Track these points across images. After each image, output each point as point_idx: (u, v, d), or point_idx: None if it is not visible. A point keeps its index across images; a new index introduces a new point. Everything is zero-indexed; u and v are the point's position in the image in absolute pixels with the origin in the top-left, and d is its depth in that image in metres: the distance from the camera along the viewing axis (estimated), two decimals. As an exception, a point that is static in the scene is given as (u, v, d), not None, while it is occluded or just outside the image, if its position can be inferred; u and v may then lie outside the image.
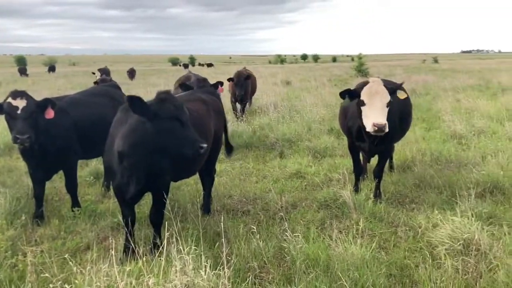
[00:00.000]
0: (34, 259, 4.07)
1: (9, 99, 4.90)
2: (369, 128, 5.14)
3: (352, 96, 5.45)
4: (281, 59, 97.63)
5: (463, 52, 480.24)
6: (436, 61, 64.69)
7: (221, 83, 7.40)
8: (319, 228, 5.08)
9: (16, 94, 4.94)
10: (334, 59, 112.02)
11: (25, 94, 5.00)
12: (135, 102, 3.82)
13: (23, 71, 44.40)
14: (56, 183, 6.67)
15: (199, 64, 79.82)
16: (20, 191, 5.97)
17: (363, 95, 5.26)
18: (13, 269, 4.08)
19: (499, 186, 6.06)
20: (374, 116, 5.11)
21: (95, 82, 10.17)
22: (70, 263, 3.68)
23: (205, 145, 3.97)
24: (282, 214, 5.17)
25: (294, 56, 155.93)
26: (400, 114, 5.92)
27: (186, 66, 59.17)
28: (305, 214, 5.55)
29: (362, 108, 5.28)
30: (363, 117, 5.29)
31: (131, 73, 33.17)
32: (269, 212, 5.62)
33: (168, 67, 68.54)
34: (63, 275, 3.73)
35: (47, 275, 3.58)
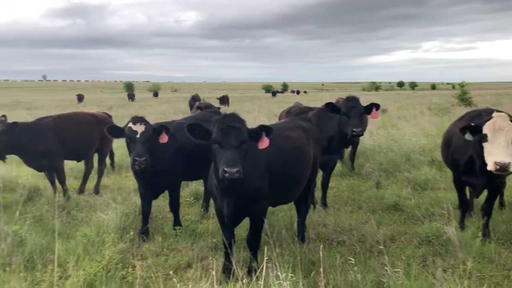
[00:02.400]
0: (142, 272, 4.35)
1: (130, 124, 5.37)
2: (490, 167, 4.76)
3: (474, 131, 5.10)
4: (375, 86, 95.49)
5: None
6: (552, 89, 58.73)
7: (377, 106, 6.76)
8: (421, 265, 4.80)
9: (136, 120, 5.42)
10: (433, 86, 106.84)
11: (144, 120, 5.47)
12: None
13: (131, 97, 48.62)
14: (160, 202, 7.10)
15: (291, 91, 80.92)
16: (129, 208, 6.44)
17: (486, 130, 4.92)
18: (123, 280, 4.40)
19: None
20: (497, 154, 4.74)
21: (199, 108, 10.77)
22: (174, 279, 3.87)
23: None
24: (381, 247, 4.97)
25: (389, 83, 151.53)
26: None
27: (274, 93, 60.38)
28: (404, 249, 5.29)
29: (484, 144, 4.93)
30: (485, 154, 4.93)
31: (223, 100, 34.51)
32: (365, 244, 5.44)
33: (261, 94, 70.36)
34: (167, 290, 3.94)
35: (153, 288, 3.80)
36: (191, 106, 21.98)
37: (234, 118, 4.11)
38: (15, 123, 7.11)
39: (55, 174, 7.63)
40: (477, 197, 6.31)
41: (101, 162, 8.59)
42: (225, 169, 3.76)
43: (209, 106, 10.54)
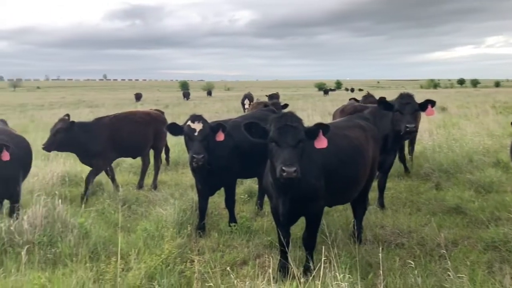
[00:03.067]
0: (200, 267, 4.45)
1: (189, 122, 5.50)
2: None
3: None
4: (434, 84, 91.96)
5: None
6: None
7: (432, 103, 6.58)
8: (486, 271, 4.56)
9: (194, 118, 5.54)
10: (497, 83, 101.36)
11: (202, 118, 5.58)
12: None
13: (186, 95, 49.79)
14: (215, 198, 7.22)
15: (345, 89, 79.62)
16: (186, 203, 6.59)
17: None
18: (180, 274, 4.52)
19: None
20: None
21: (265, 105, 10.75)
22: (231, 275, 3.92)
23: None
24: (442, 251, 4.78)
25: (449, 80, 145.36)
26: None
27: (326, 91, 59.56)
28: (468, 254, 5.04)
29: None
30: None
31: (272, 98, 34.34)
32: (425, 247, 5.25)
33: (314, 92, 69.82)
34: (224, 286, 3.99)
35: (211, 284, 3.87)
36: (243, 105, 22.19)
37: (292, 117, 4.10)
38: (73, 122, 7.49)
39: (91, 169, 7.77)
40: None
41: (157, 158, 8.86)
42: (283, 168, 3.75)
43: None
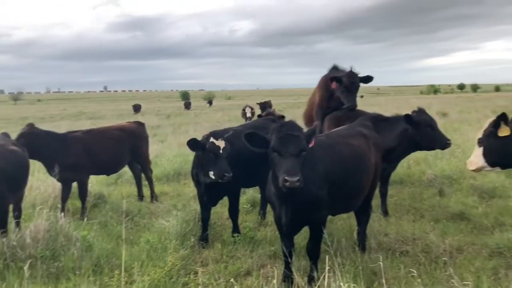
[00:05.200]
0: (204, 279, 4.43)
1: (212, 139, 5.50)
2: None
3: None
4: (434, 89, 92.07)
5: None
6: None
7: None
8: (492, 278, 4.53)
9: (216, 135, 5.61)
10: (497, 88, 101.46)
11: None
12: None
13: (187, 105, 49.91)
14: (218, 209, 7.20)
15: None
16: (189, 215, 6.56)
17: None
18: (184, 286, 4.49)
19: None
20: None
21: (259, 115, 10.83)
22: (236, 287, 3.90)
23: None
24: (445, 258, 4.75)
25: (449, 86, 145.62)
26: None
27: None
28: (473, 260, 5.01)
29: None
30: None
31: (264, 106, 34.05)
32: (430, 254, 5.21)
33: (315, 100, 69.79)
34: (228, 298, 3.97)
35: (215, 295, 3.85)
36: (245, 114, 22.37)
37: (293, 126, 4.10)
38: (37, 128, 7.29)
39: (78, 187, 7.51)
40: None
41: (146, 169, 8.62)
42: (286, 178, 3.75)
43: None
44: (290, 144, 3.93)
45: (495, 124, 5.11)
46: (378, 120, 6.84)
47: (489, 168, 5.37)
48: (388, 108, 27.54)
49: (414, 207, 7.31)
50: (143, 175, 8.69)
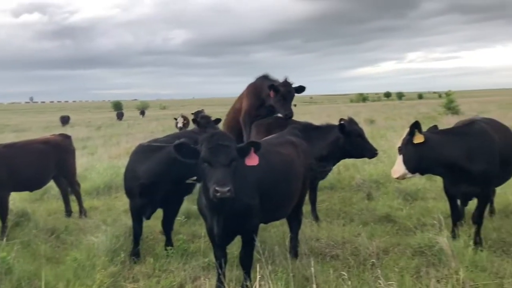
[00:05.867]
0: (134, 296, 4.28)
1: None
2: None
3: None
4: (363, 98, 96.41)
5: None
6: (535, 95, 59.98)
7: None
8: (415, 276, 4.79)
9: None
10: (420, 96, 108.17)
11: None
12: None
13: (120, 116, 48.43)
14: (150, 222, 7.01)
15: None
16: (119, 230, 6.34)
17: None
18: (114, 304, 4.32)
19: None
20: None
21: (194, 120, 10.27)
22: (166, 302, 3.80)
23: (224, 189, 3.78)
24: (373, 260, 4.96)
25: (376, 94, 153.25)
26: (501, 156, 5.55)
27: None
28: (398, 260, 5.26)
29: None
30: None
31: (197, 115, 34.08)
32: (359, 257, 5.42)
33: (251, 109, 70.44)
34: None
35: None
36: (177, 123, 21.81)
37: (223, 136, 4.11)
38: None
39: None
40: (465, 205, 6.34)
41: (72, 183, 8.19)
42: (216, 188, 3.73)
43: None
44: (220, 154, 3.92)
45: (411, 132, 5.43)
46: (309, 129, 7.04)
47: (410, 175, 5.69)
48: (321, 116, 28.41)
49: (344, 211, 7.58)
50: (70, 189, 8.27)
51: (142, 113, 55.79)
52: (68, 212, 8.09)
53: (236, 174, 4.05)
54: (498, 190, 7.10)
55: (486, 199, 5.88)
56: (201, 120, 7.90)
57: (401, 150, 5.61)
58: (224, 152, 3.95)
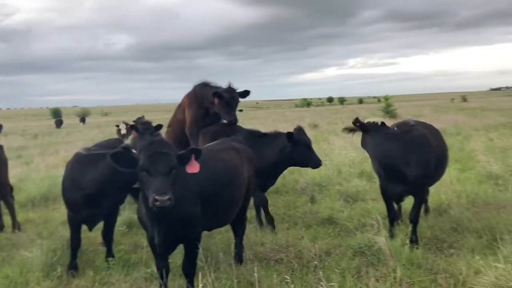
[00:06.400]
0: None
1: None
2: None
3: None
4: (307, 103, 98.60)
5: (492, 89, 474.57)
6: (465, 99, 64.08)
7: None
8: (355, 276, 4.92)
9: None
10: (360, 101, 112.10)
11: None
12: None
13: (58, 123, 46.39)
14: (90, 234, 6.74)
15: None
16: (56, 243, 6.04)
17: None
18: (50, 322, 4.10)
19: (543, 229, 5.79)
20: None
21: (131, 125, 9.91)
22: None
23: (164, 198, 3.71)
24: (316, 262, 5.06)
25: (319, 99, 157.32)
26: (436, 157, 5.89)
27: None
28: (339, 261, 5.39)
29: None
30: None
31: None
32: (302, 260, 5.49)
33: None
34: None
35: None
36: (119, 130, 20.98)
37: (162, 144, 4.03)
38: None
39: None
40: (398, 204, 6.62)
41: (4, 195, 7.66)
42: (156, 197, 3.65)
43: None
44: (159, 163, 3.84)
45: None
46: (256, 136, 7.06)
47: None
48: (267, 121, 28.75)
49: (289, 215, 7.68)
50: (2, 202, 7.78)
51: (83, 120, 53.77)
52: (0, 227, 7.61)
53: (177, 181, 3.99)
54: (432, 189, 7.50)
55: (422, 199, 6.23)
56: (140, 126, 7.69)
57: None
58: (163, 160, 3.86)
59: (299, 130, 7.06)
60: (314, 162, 6.99)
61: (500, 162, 9.85)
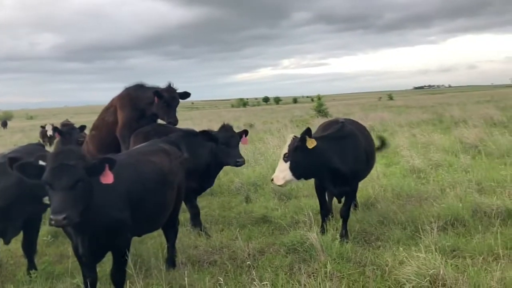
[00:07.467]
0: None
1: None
2: None
3: None
4: (243, 103, 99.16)
5: (416, 88, 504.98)
6: (391, 98, 67.54)
7: (246, 132, 7.12)
8: (288, 273, 4.98)
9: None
10: (295, 100, 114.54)
11: None
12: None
13: (-22, 128, 43.06)
14: (11, 246, 6.30)
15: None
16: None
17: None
18: None
19: (460, 218, 6.19)
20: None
21: (55, 128, 9.31)
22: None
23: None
24: (249, 262, 5.06)
25: (255, 99, 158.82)
26: (366, 154, 6.15)
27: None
28: (273, 260, 5.44)
29: None
30: None
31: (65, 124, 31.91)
32: (236, 260, 5.48)
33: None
34: None
35: None
36: (46, 132, 19.80)
37: (69, 154, 3.70)
38: None
39: None
40: (339, 202, 6.78)
41: None
42: (51, 216, 3.40)
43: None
44: (62, 176, 3.52)
45: (302, 139, 5.59)
46: (191, 136, 6.89)
47: (295, 180, 5.88)
48: (202, 122, 28.49)
49: (223, 216, 7.64)
50: None
51: (4, 124, 50.27)
52: None
53: (103, 187, 3.80)
54: (360, 184, 7.77)
55: (354, 194, 6.46)
56: (63, 128, 7.29)
57: (287, 157, 5.68)
58: (67, 173, 3.55)
59: (223, 127, 6.92)
60: (232, 160, 6.70)
61: (422, 157, 10.45)
